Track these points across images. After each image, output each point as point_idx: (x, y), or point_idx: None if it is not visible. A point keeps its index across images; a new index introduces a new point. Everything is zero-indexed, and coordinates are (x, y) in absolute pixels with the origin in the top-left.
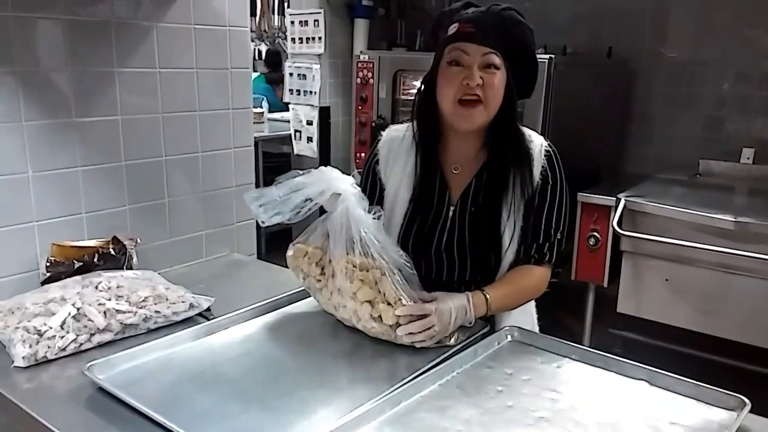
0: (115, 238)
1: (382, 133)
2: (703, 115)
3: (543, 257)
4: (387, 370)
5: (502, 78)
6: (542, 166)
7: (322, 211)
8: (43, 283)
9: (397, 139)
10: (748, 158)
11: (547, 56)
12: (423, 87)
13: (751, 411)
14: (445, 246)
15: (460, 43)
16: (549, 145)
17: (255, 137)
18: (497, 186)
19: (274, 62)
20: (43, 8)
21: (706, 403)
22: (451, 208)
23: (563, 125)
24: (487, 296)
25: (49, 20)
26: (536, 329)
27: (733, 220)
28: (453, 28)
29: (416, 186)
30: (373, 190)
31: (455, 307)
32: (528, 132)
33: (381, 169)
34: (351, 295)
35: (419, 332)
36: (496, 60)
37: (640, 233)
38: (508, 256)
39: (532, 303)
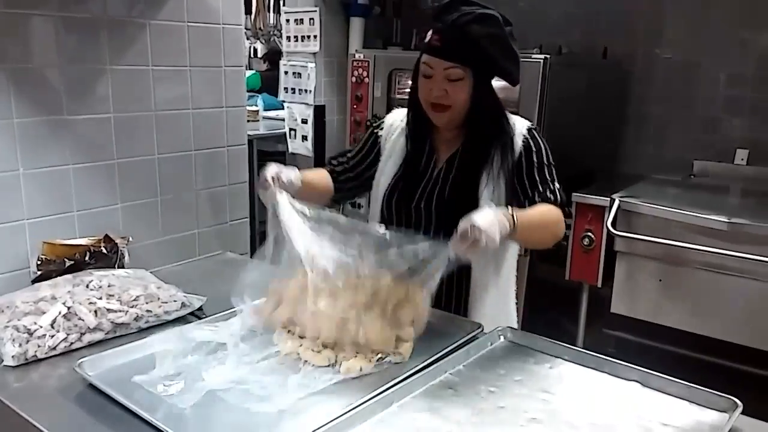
0: (106, 236)
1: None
2: (697, 116)
3: (549, 198)
4: (379, 370)
5: (466, 86)
6: (524, 138)
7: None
8: (34, 281)
9: (398, 118)
10: (742, 159)
11: (542, 56)
12: (412, 81)
13: (742, 412)
14: (425, 202)
15: (427, 56)
16: (532, 125)
17: (249, 135)
18: (477, 156)
19: (274, 61)
20: (35, 5)
21: (698, 404)
22: (437, 169)
23: (558, 125)
24: (514, 215)
25: (42, 17)
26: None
27: (727, 221)
28: (427, 36)
29: (407, 148)
30: (370, 151)
31: (489, 212)
32: (512, 117)
33: (383, 135)
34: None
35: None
36: (459, 72)
37: (634, 234)
38: None
39: (512, 303)
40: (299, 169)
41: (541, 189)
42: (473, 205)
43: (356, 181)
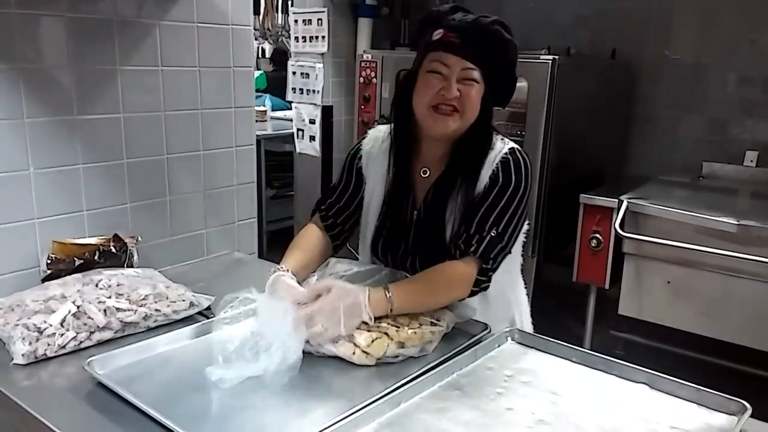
0: (116, 235)
1: (368, 131)
2: (706, 118)
3: (468, 248)
4: (387, 371)
5: (480, 91)
6: (493, 170)
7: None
8: (44, 280)
9: (379, 139)
10: (752, 161)
11: (551, 57)
12: (401, 86)
13: (752, 416)
14: (411, 252)
15: (442, 53)
16: (512, 152)
17: (257, 135)
18: (444, 190)
19: (280, 61)
20: (46, 5)
21: (706, 407)
22: (414, 212)
23: (566, 127)
24: (388, 293)
25: (52, 17)
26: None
27: (736, 223)
28: (438, 34)
29: (387, 190)
30: (353, 183)
31: (344, 305)
32: (496, 138)
33: (363, 164)
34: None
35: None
36: (476, 74)
37: (642, 235)
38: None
39: (518, 307)
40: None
41: (471, 232)
42: (441, 249)
43: (355, 214)
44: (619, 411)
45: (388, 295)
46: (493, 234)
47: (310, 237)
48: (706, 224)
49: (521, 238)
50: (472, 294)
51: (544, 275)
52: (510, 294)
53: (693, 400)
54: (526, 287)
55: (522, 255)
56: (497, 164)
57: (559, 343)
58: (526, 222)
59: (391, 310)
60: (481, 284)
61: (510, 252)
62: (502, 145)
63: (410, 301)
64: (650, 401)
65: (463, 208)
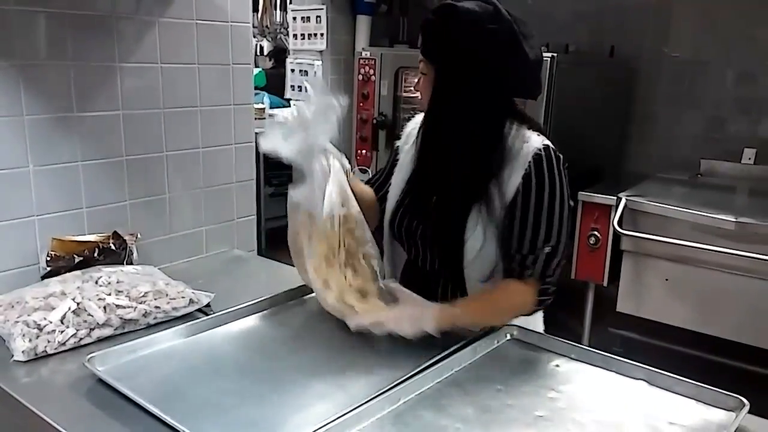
0: (115, 233)
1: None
2: (704, 115)
3: (525, 271)
4: (386, 367)
5: (426, 82)
6: (526, 170)
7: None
8: (44, 277)
9: (417, 125)
10: (750, 159)
11: (549, 55)
12: None
13: (749, 412)
14: (427, 234)
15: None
16: (545, 148)
17: (256, 132)
18: (467, 187)
19: (279, 59)
20: (44, 2)
21: (705, 403)
22: (434, 198)
23: (565, 124)
24: (458, 311)
25: (51, 14)
26: None
27: (734, 220)
28: None
29: (412, 168)
30: (392, 160)
31: (411, 320)
32: (527, 134)
33: (401, 143)
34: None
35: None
36: (422, 66)
37: (640, 233)
38: (470, 255)
39: (538, 315)
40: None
41: (524, 253)
42: (458, 242)
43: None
44: (618, 407)
45: (456, 313)
46: (547, 250)
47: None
48: (704, 221)
49: None
50: (540, 309)
51: None
52: None
53: (691, 396)
54: None
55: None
56: (531, 163)
57: (558, 340)
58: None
59: (457, 323)
60: (545, 299)
61: (564, 259)
62: (536, 140)
63: (479, 319)
64: (649, 397)
65: (497, 210)
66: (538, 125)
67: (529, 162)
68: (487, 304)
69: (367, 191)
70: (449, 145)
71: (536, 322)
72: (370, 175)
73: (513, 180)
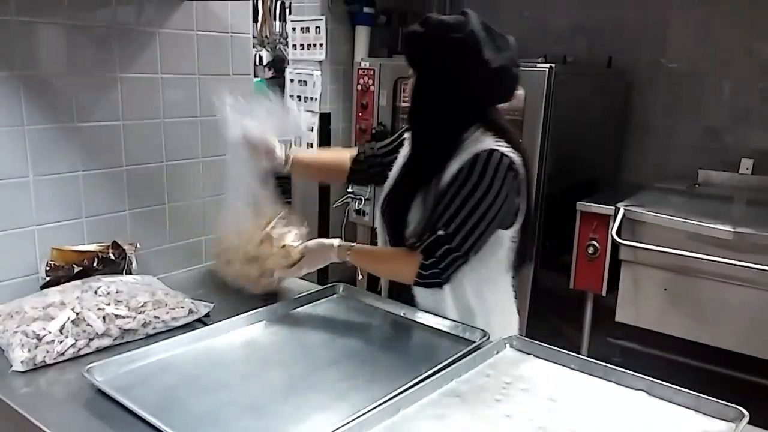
0: (114, 242)
1: None
2: (701, 126)
3: (415, 243)
4: (385, 377)
5: (409, 87)
6: (462, 164)
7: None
8: (43, 287)
9: None
10: (747, 169)
11: (547, 65)
12: None
13: (749, 422)
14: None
15: None
16: (489, 151)
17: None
18: (415, 174)
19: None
20: (46, 13)
21: (704, 414)
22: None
23: (563, 134)
24: (352, 248)
25: (52, 25)
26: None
27: (732, 230)
28: None
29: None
30: (395, 143)
31: (318, 257)
32: (486, 140)
33: (407, 136)
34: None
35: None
36: (410, 72)
37: (638, 243)
38: (411, 235)
39: (513, 319)
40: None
41: (423, 229)
42: (403, 231)
43: (380, 168)
44: (618, 418)
45: (351, 248)
46: (440, 233)
47: (336, 150)
48: (702, 232)
49: (505, 245)
50: (420, 285)
51: (541, 282)
52: (488, 301)
53: (691, 407)
54: (521, 294)
55: (513, 265)
56: (467, 161)
57: (558, 350)
58: (512, 229)
59: (347, 257)
60: (424, 278)
61: (465, 257)
62: (485, 144)
63: (361, 265)
64: (648, 408)
65: (430, 197)
66: (510, 137)
67: (468, 160)
68: (374, 256)
69: (332, 157)
70: (413, 141)
71: (509, 325)
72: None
73: (450, 171)
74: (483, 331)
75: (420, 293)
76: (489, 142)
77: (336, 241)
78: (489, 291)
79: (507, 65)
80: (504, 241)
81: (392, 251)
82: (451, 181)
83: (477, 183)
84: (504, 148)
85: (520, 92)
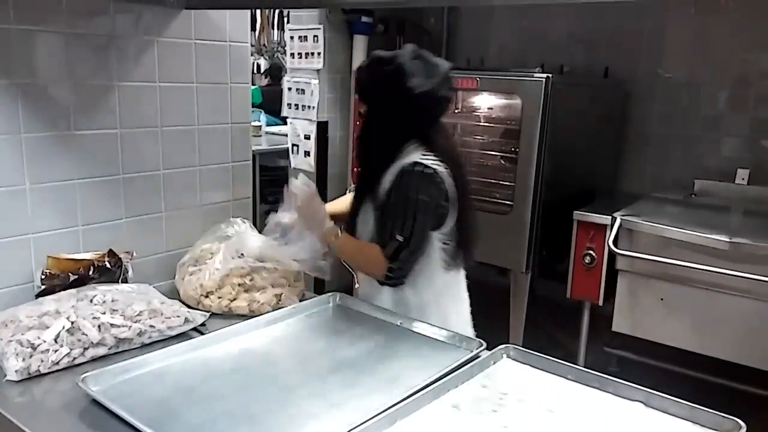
0: (110, 251)
1: None
2: (698, 136)
3: (384, 247)
4: (381, 387)
5: (364, 114)
6: (394, 178)
7: None
8: (38, 295)
9: None
10: (743, 179)
11: (544, 75)
12: None
13: None
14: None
15: None
16: (413, 164)
17: (252, 150)
18: (361, 185)
19: (275, 76)
20: (44, 21)
21: (701, 425)
22: None
23: (560, 144)
24: (340, 232)
25: (51, 33)
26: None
27: (729, 240)
28: None
29: None
30: None
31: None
32: (414, 154)
33: None
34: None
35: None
36: (362, 106)
37: (635, 252)
38: (361, 235)
39: (466, 323)
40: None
41: (387, 235)
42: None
43: None
44: (614, 429)
45: (340, 231)
46: (399, 239)
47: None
48: (698, 241)
49: (435, 245)
50: (386, 284)
51: (537, 291)
52: (423, 295)
53: (688, 418)
54: (517, 303)
55: (447, 266)
56: (396, 176)
57: (555, 361)
58: (442, 231)
59: (334, 239)
60: (390, 279)
61: (421, 253)
62: (410, 159)
63: (346, 248)
64: (645, 419)
65: (374, 209)
66: (439, 149)
67: (397, 173)
68: (353, 248)
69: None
70: (361, 159)
71: (448, 321)
72: None
73: (385, 184)
74: (479, 341)
75: (361, 282)
76: (415, 156)
77: (330, 223)
78: (424, 286)
79: (433, 89)
80: (433, 242)
81: (368, 247)
82: (389, 191)
83: (407, 191)
84: (428, 160)
85: (516, 101)
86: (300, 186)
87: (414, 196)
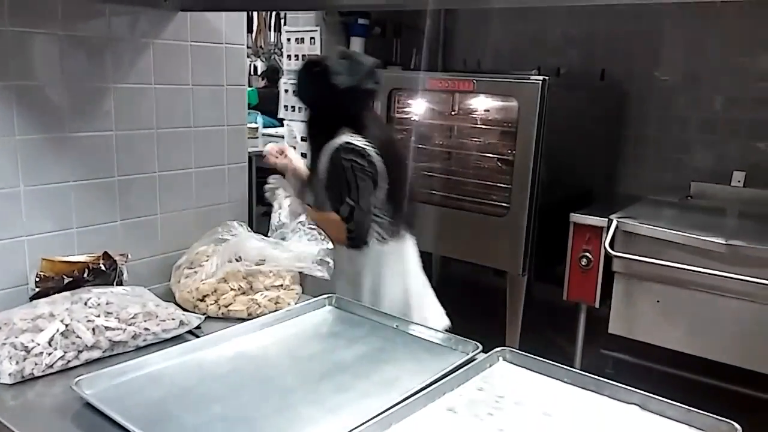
0: (105, 253)
1: None
2: (694, 138)
3: (339, 212)
4: (377, 390)
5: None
6: (327, 158)
7: None
8: (32, 298)
9: None
10: (739, 181)
11: (541, 78)
12: None
13: None
14: None
15: None
16: (341, 144)
17: (249, 152)
18: (311, 169)
19: (272, 78)
20: (39, 23)
21: (697, 428)
22: None
23: (556, 146)
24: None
25: (46, 35)
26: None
27: (725, 242)
28: None
29: None
30: None
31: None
32: (344, 137)
33: None
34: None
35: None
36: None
37: (632, 254)
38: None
39: (438, 316)
40: None
41: (340, 203)
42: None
43: None
44: None
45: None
46: (349, 202)
47: None
48: (695, 244)
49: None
50: (349, 247)
51: (534, 294)
52: (356, 262)
53: (684, 420)
54: (510, 306)
55: (381, 239)
56: (332, 152)
57: (551, 363)
58: (378, 199)
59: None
60: (350, 240)
61: (371, 214)
62: (341, 139)
63: (316, 219)
64: (641, 422)
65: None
66: (370, 135)
67: (332, 151)
68: (322, 216)
69: None
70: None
71: (411, 300)
72: None
73: (323, 162)
74: (476, 344)
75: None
76: (345, 138)
77: (310, 200)
78: (357, 255)
79: (356, 85)
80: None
81: (331, 216)
82: (327, 168)
83: (342, 163)
84: (357, 141)
85: (513, 104)
86: (268, 149)
87: (349, 165)
